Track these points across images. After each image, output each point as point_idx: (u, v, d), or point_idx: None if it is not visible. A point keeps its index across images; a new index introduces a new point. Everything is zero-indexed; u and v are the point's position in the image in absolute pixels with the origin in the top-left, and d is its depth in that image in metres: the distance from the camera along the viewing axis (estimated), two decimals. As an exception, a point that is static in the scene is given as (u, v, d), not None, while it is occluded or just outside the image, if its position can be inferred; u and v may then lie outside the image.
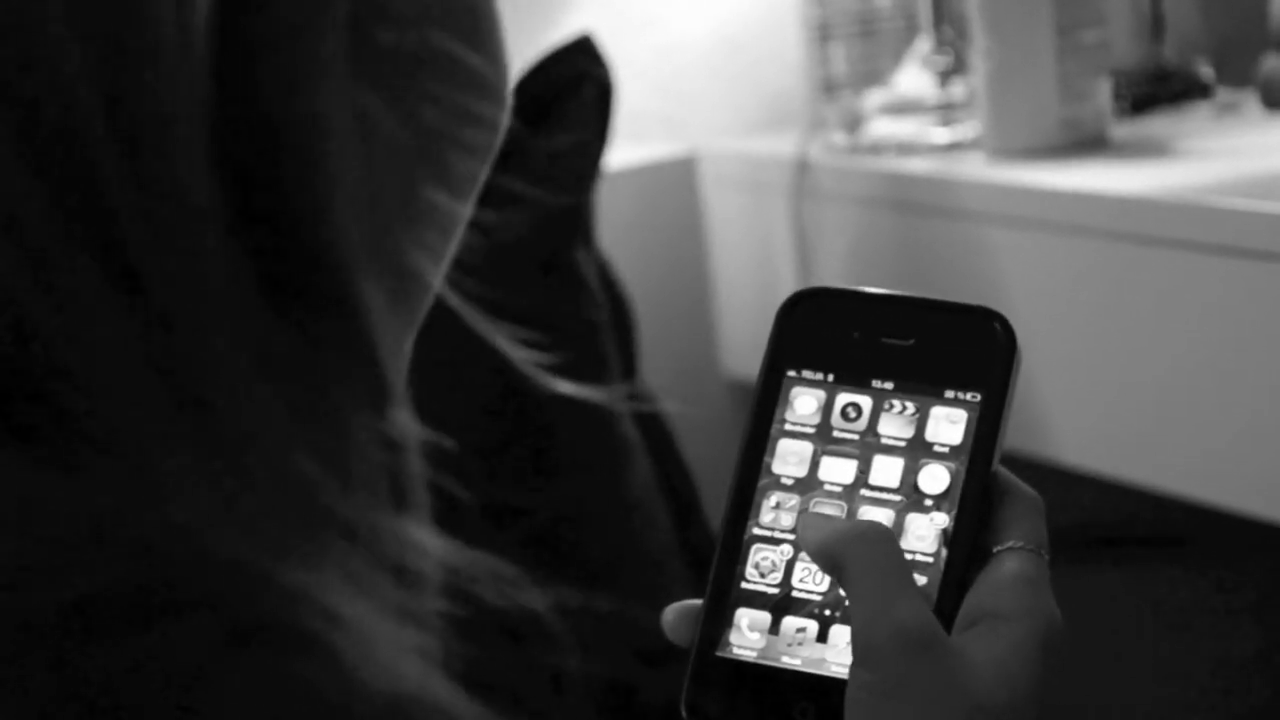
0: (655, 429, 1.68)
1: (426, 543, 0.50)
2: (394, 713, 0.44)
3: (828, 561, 0.70)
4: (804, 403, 0.75)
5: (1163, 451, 1.58)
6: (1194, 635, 1.95)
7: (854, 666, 0.67)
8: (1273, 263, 1.43)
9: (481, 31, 0.55)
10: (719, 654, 0.73)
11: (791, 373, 0.75)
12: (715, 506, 1.71)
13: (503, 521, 0.62)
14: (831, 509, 0.73)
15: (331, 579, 0.46)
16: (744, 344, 2.09)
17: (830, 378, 0.75)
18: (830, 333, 0.76)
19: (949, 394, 0.74)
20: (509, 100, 0.57)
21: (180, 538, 0.45)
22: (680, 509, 1.68)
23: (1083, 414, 1.63)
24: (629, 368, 1.67)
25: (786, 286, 1.94)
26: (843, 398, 0.75)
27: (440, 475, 0.52)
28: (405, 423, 0.51)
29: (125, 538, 0.44)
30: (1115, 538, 1.91)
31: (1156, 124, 1.85)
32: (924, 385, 0.74)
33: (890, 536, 0.70)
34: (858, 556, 0.69)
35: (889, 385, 0.75)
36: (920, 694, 0.65)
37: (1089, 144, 1.74)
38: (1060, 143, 1.73)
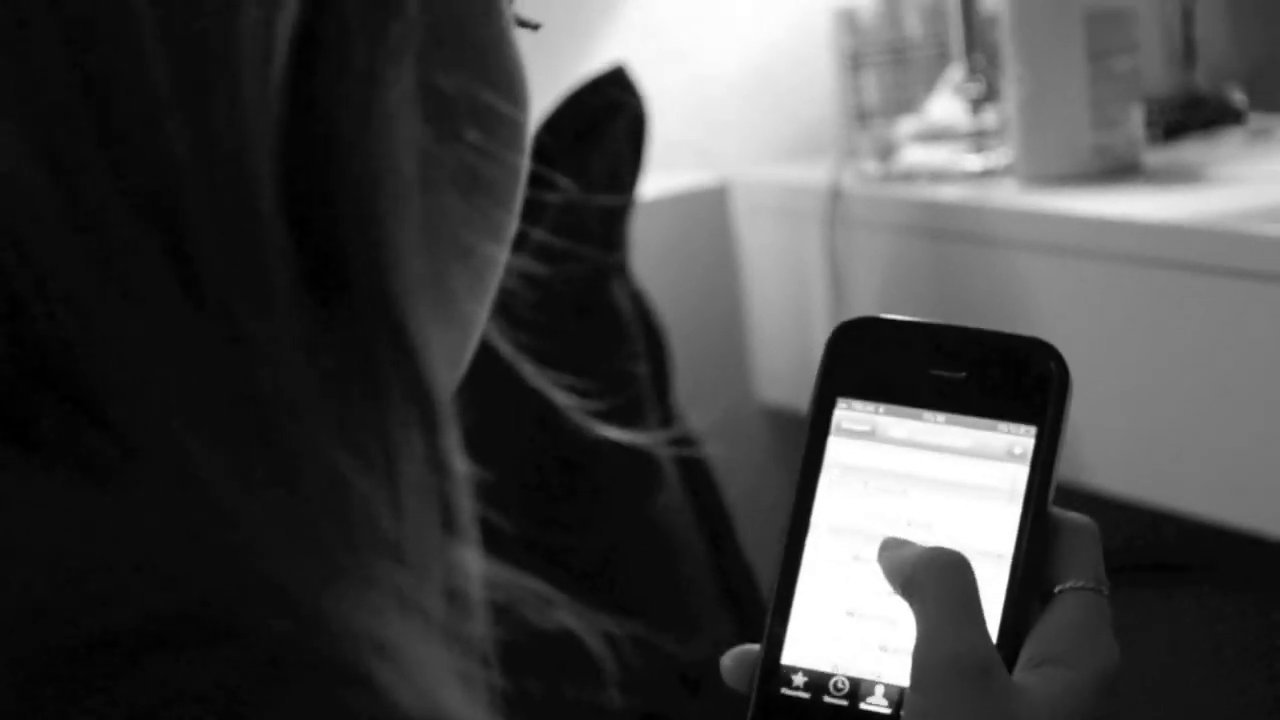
0: (692, 463, 1.68)
1: (473, 566, 0.51)
2: None
3: (900, 582, 0.70)
4: (856, 433, 0.74)
5: (1193, 476, 1.58)
6: (1226, 661, 1.94)
7: (909, 691, 0.67)
8: (1306, 289, 1.43)
9: (508, 77, 0.56)
10: (783, 692, 0.73)
11: (842, 403, 0.75)
12: (749, 534, 1.71)
13: (543, 557, 0.62)
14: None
15: (378, 601, 0.46)
16: (778, 371, 2.10)
17: (881, 409, 0.75)
18: (880, 363, 0.75)
19: (1004, 428, 0.73)
20: (529, 149, 0.58)
21: (228, 558, 0.45)
22: (714, 537, 1.68)
23: (1113, 439, 1.63)
24: (664, 397, 1.67)
25: (820, 314, 1.94)
26: (895, 429, 0.74)
27: (484, 509, 0.52)
28: (453, 453, 0.51)
29: (170, 561, 0.44)
30: (1149, 563, 1.91)
31: (1188, 150, 1.85)
32: (978, 418, 0.74)
33: (965, 566, 0.69)
34: (929, 581, 0.69)
35: (941, 418, 0.74)
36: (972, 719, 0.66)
37: (1121, 171, 1.74)
38: (1092, 169, 1.73)
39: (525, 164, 0.57)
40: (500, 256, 0.57)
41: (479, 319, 0.57)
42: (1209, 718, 1.94)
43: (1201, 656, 1.96)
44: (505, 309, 0.60)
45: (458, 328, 0.55)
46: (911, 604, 0.69)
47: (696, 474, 1.68)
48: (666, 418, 1.65)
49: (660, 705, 1.43)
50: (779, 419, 2.12)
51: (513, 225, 0.57)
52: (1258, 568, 1.82)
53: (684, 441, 1.63)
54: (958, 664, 0.67)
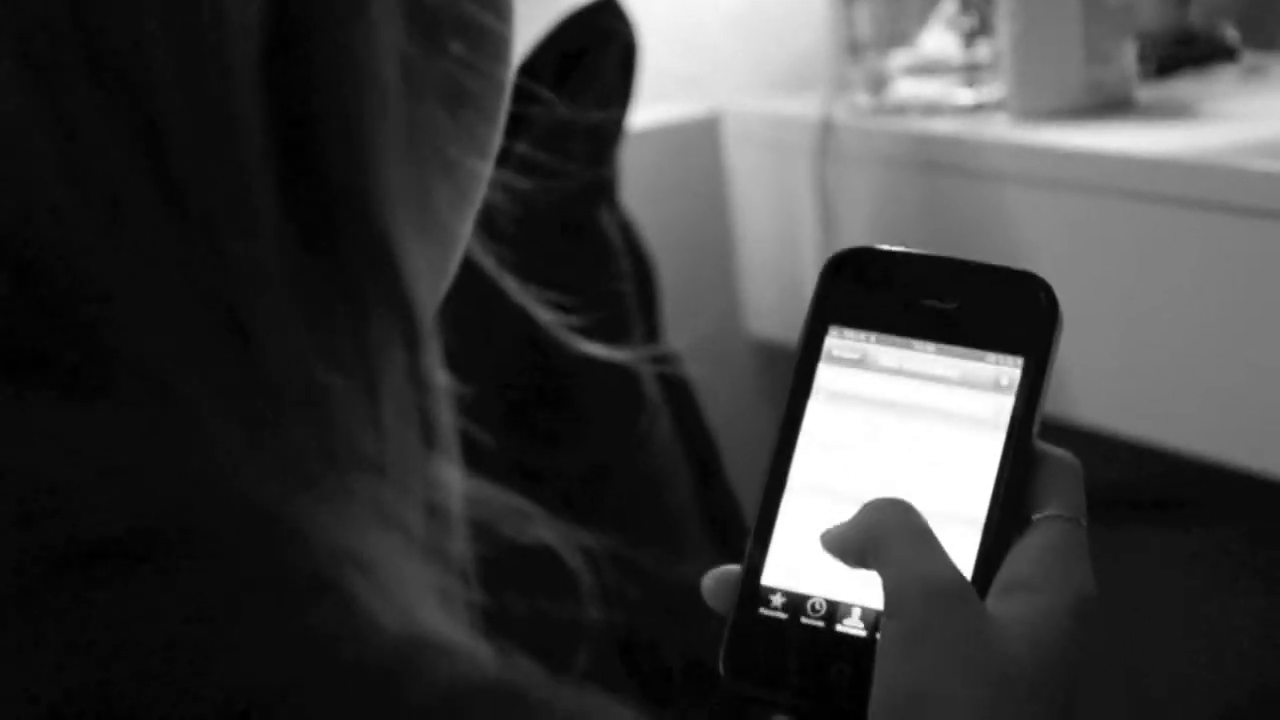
0: (677, 388, 1.68)
1: (453, 481, 0.51)
2: (403, 654, 0.44)
3: (855, 552, 0.70)
4: (845, 360, 0.75)
5: (1185, 412, 1.58)
6: (1217, 595, 1.95)
7: (885, 619, 0.68)
8: (1297, 225, 1.43)
9: None
10: (761, 612, 0.73)
11: (834, 330, 0.75)
12: (736, 466, 1.72)
13: (526, 477, 0.62)
14: (872, 466, 0.74)
15: (358, 515, 0.47)
16: (767, 304, 2.10)
17: (872, 337, 0.75)
18: (873, 293, 0.76)
19: (992, 358, 0.74)
20: (513, 61, 0.57)
21: (204, 471, 0.45)
22: (701, 469, 1.68)
23: (1104, 374, 1.63)
24: (652, 327, 1.67)
25: (809, 247, 1.94)
26: (885, 357, 0.75)
27: (466, 423, 0.52)
28: (435, 368, 0.51)
29: (147, 475, 0.44)
30: (1137, 499, 1.91)
31: (1181, 87, 1.84)
32: (967, 348, 0.74)
33: (906, 505, 0.70)
34: (877, 528, 0.69)
35: (930, 348, 0.75)
36: (948, 641, 0.66)
37: (1114, 106, 1.74)
38: (1085, 104, 1.73)
39: (509, 77, 0.57)
40: (483, 171, 0.57)
41: (462, 234, 0.57)
42: (1191, 653, 1.95)
43: (1186, 591, 1.96)
44: (489, 225, 0.60)
45: (440, 242, 0.55)
46: (872, 564, 0.69)
47: (683, 403, 1.68)
48: (656, 347, 1.65)
49: (641, 623, 1.43)
50: (767, 351, 2.12)
51: (496, 139, 0.57)
52: (1244, 503, 1.82)
53: (668, 360, 1.63)
54: (932, 587, 0.67)
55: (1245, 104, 1.74)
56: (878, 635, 0.71)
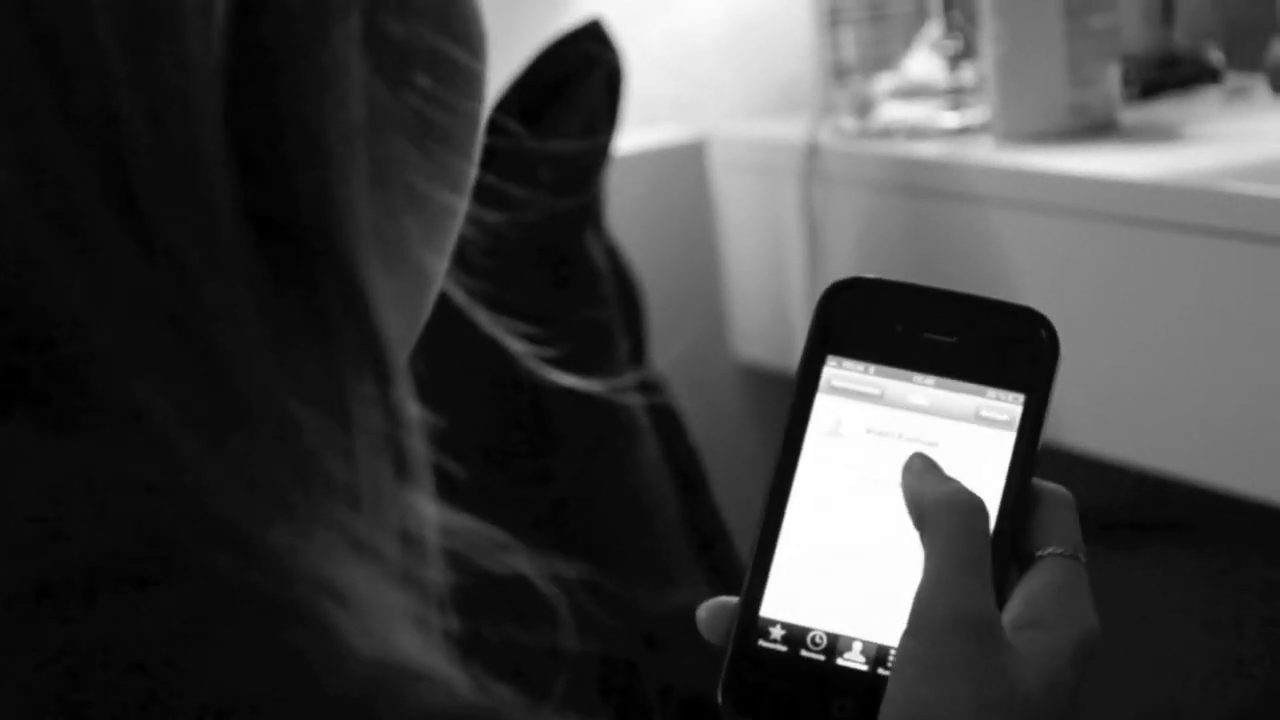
0: (664, 412, 1.68)
1: (427, 511, 0.51)
2: (379, 681, 0.44)
3: (915, 514, 0.70)
4: (844, 391, 0.74)
5: (1169, 435, 1.58)
6: (1199, 621, 1.95)
7: (905, 635, 0.67)
8: (1281, 248, 1.43)
9: (466, 26, 0.56)
10: (760, 644, 0.73)
11: (832, 361, 0.75)
12: (723, 489, 1.71)
13: (504, 505, 0.62)
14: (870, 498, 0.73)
15: (332, 544, 0.47)
16: (754, 328, 2.10)
17: (871, 369, 0.75)
18: (872, 324, 0.75)
19: (993, 394, 0.74)
20: (487, 97, 0.58)
21: (181, 498, 0.45)
22: (688, 492, 1.68)
23: (1089, 398, 1.63)
24: (638, 352, 1.67)
25: (797, 270, 1.94)
26: (885, 389, 0.74)
27: (440, 456, 0.53)
28: (407, 401, 0.51)
29: (125, 500, 0.45)
30: (1120, 523, 1.91)
31: (1166, 109, 1.85)
32: (968, 383, 0.74)
33: (983, 514, 0.69)
34: (944, 523, 0.69)
35: (930, 381, 0.74)
36: (967, 673, 0.65)
37: (1098, 129, 1.74)
38: (1069, 127, 1.73)
39: (482, 111, 0.57)
40: (458, 206, 0.57)
41: (437, 270, 0.57)
42: (1181, 675, 1.94)
43: (1175, 615, 1.96)
44: (461, 257, 0.60)
45: (412, 276, 0.55)
46: (922, 538, 0.69)
47: (669, 426, 1.68)
48: (641, 373, 1.65)
49: (623, 652, 1.43)
50: (755, 376, 2.12)
51: (471, 174, 0.57)
52: (1232, 527, 1.82)
53: (651, 388, 1.63)
54: (956, 614, 0.67)
55: (1229, 126, 1.74)
56: (879, 670, 0.71)
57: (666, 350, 1.82)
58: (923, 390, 0.74)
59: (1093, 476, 1.67)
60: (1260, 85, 1.83)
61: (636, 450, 1.61)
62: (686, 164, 2.08)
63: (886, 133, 1.88)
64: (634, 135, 1.94)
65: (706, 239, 2.11)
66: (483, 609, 0.56)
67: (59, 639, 0.43)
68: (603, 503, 1.58)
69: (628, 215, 1.90)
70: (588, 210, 1.62)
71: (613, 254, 1.68)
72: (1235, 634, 1.93)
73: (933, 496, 0.70)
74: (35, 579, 0.44)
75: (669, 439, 1.68)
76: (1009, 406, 0.73)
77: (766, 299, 2.06)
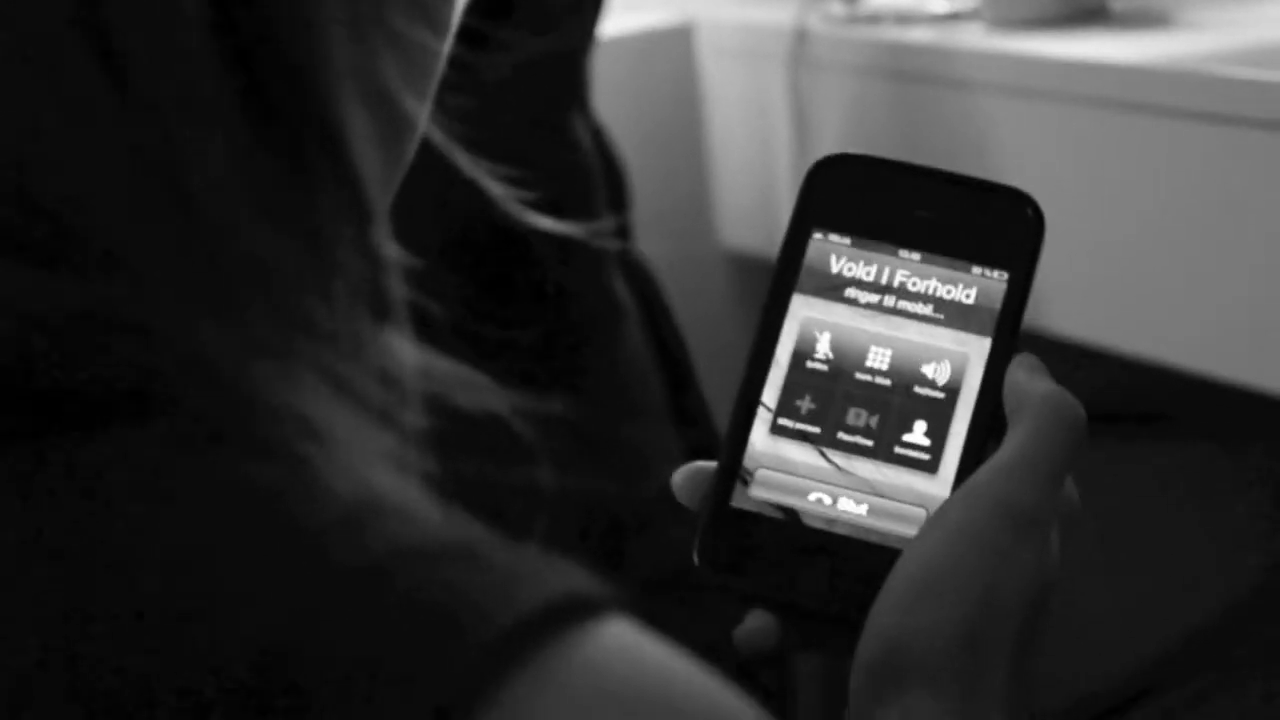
0: (650, 296, 1.68)
1: (404, 350, 0.51)
2: (353, 518, 0.44)
3: (1014, 403, 0.70)
4: (829, 262, 0.75)
5: (1157, 321, 1.58)
6: (1187, 509, 1.95)
7: (950, 500, 0.68)
8: (1273, 132, 1.42)
9: None
10: (734, 505, 0.73)
11: (818, 234, 0.75)
12: (710, 375, 1.71)
13: (484, 350, 0.61)
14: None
15: (310, 382, 0.47)
16: (740, 215, 2.09)
17: (856, 243, 0.75)
18: (858, 199, 0.76)
19: (976, 270, 0.74)
20: None
21: (157, 333, 0.45)
22: (674, 376, 1.68)
23: (1077, 283, 1.63)
24: (623, 234, 1.67)
25: (784, 157, 1.93)
26: (868, 257, 0.75)
27: (418, 296, 0.52)
28: (386, 243, 0.51)
29: (102, 337, 0.45)
30: (1112, 413, 1.91)
31: (1157, -3, 1.83)
32: (951, 259, 0.74)
33: (1083, 429, 0.69)
34: (1043, 420, 0.69)
35: (915, 256, 0.75)
36: (993, 556, 0.65)
37: (1089, 14, 1.73)
38: (1060, 13, 1.72)
39: None
40: (437, 47, 0.56)
41: (417, 113, 0.56)
42: (1184, 558, 1.95)
43: (1167, 504, 1.97)
44: (440, 100, 0.59)
45: (391, 119, 0.55)
46: (1011, 427, 0.69)
47: (655, 311, 1.68)
48: (625, 254, 1.65)
49: (602, 489, 1.43)
50: (741, 262, 2.11)
51: (450, 12, 0.56)
52: (1223, 415, 1.82)
53: (636, 271, 1.63)
54: (1009, 499, 0.67)
55: (1220, 12, 1.73)
56: (848, 529, 0.71)
57: (653, 235, 1.81)
58: (907, 264, 0.75)
59: (1081, 363, 1.67)
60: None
61: (624, 327, 1.61)
62: (673, 49, 2.07)
63: (875, 18, 1.87)
64: (620, 19, 1.92)
65: (693, 125, 2.09)
66: (460, 450, 0.56)
67: (36, 475, 0.43)
68: (589, 378, 1.58)
69: (613, 101, 1.89)
70: (571, 73, 1.61)
71: (598, 136, 1.67)
72: (1221, 525, 1.93)
73: (1044, 393, 0.70)
74: (13, 397, 0.44)
75: (655, 322, 1.67)
76: (993, 282, 0.74)
77: (753, 185, 2.05)
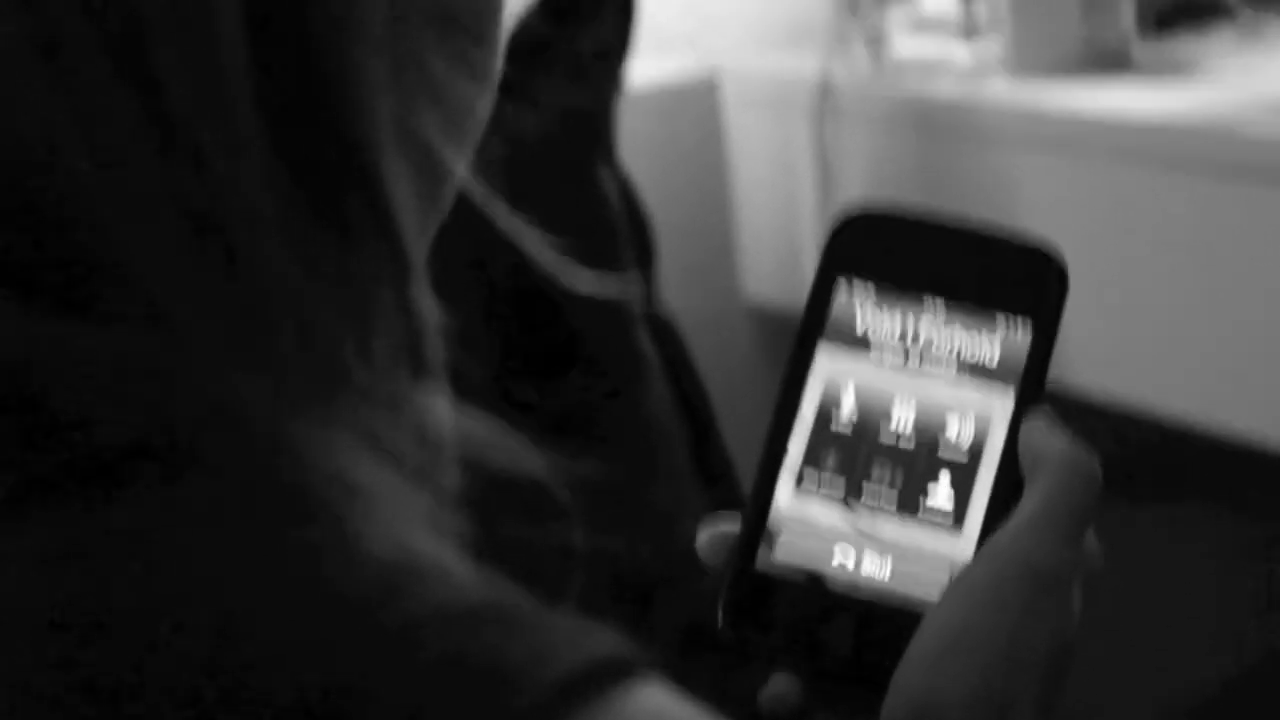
0: (673, 350, 1.68)
1: (442, 409, 0.51)
2: (389, 579, 0.44)
3: (1029, 460, 0.70)
4: (854, 314, 0.75)
5: (1179, 377, 1.58)
6: (1212, 564, 1.95)
7: (973, 561, 0.67)
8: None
9: None
10: (758, 569, 0.73)
11: (843, 285, 0.75)
12: (732, 427, 1.71)
13: (516, 410, 0.61)
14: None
15: (349, 441, 0.47)
16: (764, 267, 2.09)
17: (881, 295, 0.75)
18: (884, 250, 0.76)
19: (1000, 322, 0.74)
20: None
21: (197, 388, 0.45)
22: (697, 431, 1.68)
23: (1097, 338, 1.62)
24: (648, 288, 1.67)
25: (808, 208, 1.93)
26: (893, 309, 0.75)
27: (456, 356, 0.52)
28: (424, 301, 0.51)
29: (145, 392, 0.45)
30: (1134, 473, 1.91)
31: (1179, 45, 1.83)
32: (976, 313, 0.74)
33: (1099, 485, 0.69)
34: (1060, 477, 0.68)
35: (940, 307, 0.75)
36: (1018, 617, 0.65)
37: (1111, 63, 1.73)
38: (1082, 61, 1.72)
39: (504, 11, 0.56)
40: (478, 100, 0.56)
41: (455, 166, 0.56)
42: (1192, 621, 1.94)
43: (1183, 561, 1.96)
44: (481, 155, 0.59)
45: (431, 172, 0.55)
46: (1028, 486, 0.69)
47: (678, 364, 1.68)
48: (650, 307, 1.65)
49: (630, 549, 1.43)
50: (764, 315, 2.11)
51: (492, 65, 0.57)
52: (1229, 475, 1.82)
53: (660, 327, 1.63)
54: (1032, 559, 0.66)
55: (1242, 63, 1.73)
56: (872, 592, 0.71)
57: (677, 287, 1.81)
58: (932, 316, 0.75)
59: (1095, 424, 1.67)
60: (1273, 22, 1.81)
61: (648, 382, 1.61)
62: (698, 100, 2.07)
63: (899, 70, 1.87)
64: (646, 69, 1.93)
65: (718, 177, 2.10)
66: (495, 510, 0.56)
67: (78, 529, 0.43)
68: (613, 432, 1.58)
69: (639, 152, 1.90)
70: (598, 127, 1.61)
71: (624, 188, 1.67)
72: (1230, 580, 1.92)
73: (1059, 450, 0.69)
74: (59, 466, 0.44)
75: (678, 375, 1.67)
76: (1017, 334, 0.74)
77: (777, 237, 2.05)
